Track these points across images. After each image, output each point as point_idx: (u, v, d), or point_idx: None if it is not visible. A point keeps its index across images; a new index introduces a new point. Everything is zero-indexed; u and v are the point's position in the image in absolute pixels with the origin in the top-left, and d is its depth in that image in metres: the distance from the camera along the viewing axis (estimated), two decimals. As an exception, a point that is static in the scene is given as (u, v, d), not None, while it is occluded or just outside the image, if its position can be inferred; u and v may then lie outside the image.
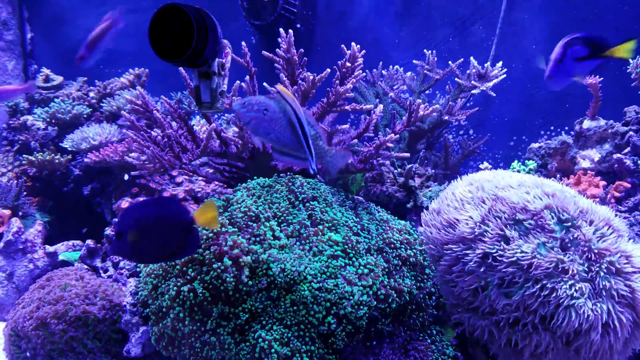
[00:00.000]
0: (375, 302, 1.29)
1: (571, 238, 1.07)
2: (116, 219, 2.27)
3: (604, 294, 1.03)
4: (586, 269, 1.04)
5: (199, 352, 1.27)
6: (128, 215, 1.07)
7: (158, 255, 1.10)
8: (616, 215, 1.18)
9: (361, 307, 1.25)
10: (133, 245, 1.06)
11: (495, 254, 1.08)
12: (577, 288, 1.01)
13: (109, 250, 1.94)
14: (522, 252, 1.05)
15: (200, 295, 1.25)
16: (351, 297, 1.25)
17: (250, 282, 1.26)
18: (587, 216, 1.11)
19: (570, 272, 1.02)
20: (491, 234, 1.10)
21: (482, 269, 1.10)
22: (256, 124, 1.05)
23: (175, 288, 1.27)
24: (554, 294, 1.01)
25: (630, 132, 2.31)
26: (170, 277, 1.31)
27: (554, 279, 1.02)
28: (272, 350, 1.19)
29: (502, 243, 1.09)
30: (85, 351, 1.58)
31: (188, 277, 1.27)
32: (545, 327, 1.05)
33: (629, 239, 1.13)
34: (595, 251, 1.05)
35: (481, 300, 1.13)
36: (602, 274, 1.04)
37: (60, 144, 2.70)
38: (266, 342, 1.20)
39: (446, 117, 2.40)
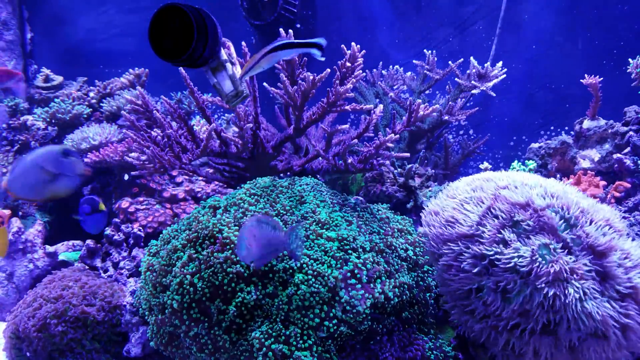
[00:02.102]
0: (373, 299, 1.29)
1: (574, 237, 1.06)
2: (116, 219, 2.27)
3: (609, 293, 1.03)
4: (590, 269, 1.04)
5: (196, 351, 1.27)
6: None
7: None
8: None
9: (359, 300, 1.25)
10: None
11: (492, 257, 1.07)
12: (584, 290, 1.00)
13: None
14: (520, 257, 1.04)
15: (200, 291, 1.25)
16: (349, 289, 1.25)
17: (246, 274, 1.26)
18: (588, 215, 1.11)
19: (576, 274, 1.01)
20: (489, 234, 1.10)
21: (475, 269, 1.09)
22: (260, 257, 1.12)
23: (174, 288, 1.27)
24: (559, 300, 1.00)
25: (630, 132, 2.31)
26: (169, 277, 1.31)
27: (560, 282, 1.01)
28: (265, 348, 1.19)
29: (501, 245, 1.08)
30: (83, 352, 1.58)
31: (187, 276, 1.27)
32: (547, 332, 1.05)
33: (629, 238, 1.13)
34: (599, 250, 1.05)
35: (475, 303, 1.12)
36: (605, 272, 1.03)
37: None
38: (262, 340, 1.19)
39: (446, 117, 2.40)
